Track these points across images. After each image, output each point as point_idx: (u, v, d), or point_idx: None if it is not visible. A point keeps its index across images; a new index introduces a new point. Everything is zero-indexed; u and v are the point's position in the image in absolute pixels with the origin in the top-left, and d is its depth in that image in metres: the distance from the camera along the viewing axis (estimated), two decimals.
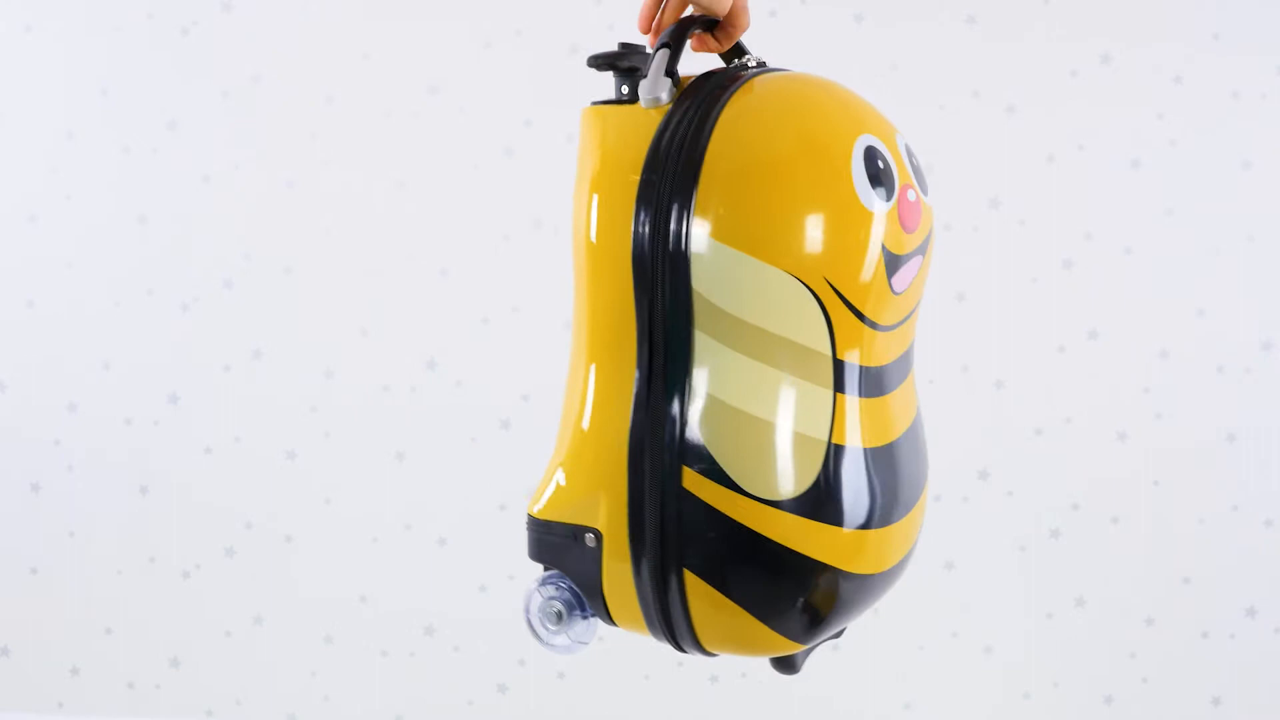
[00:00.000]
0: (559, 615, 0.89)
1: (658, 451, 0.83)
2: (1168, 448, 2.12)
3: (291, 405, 2.19)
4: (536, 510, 0.89)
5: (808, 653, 0.90)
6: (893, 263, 0.85)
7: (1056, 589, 2.15)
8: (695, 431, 0.83)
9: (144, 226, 2.19)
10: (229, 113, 2.16)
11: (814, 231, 0.82)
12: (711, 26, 0.91)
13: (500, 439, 2.17)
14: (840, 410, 0.84)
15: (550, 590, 0.89)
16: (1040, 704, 2.17)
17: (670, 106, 0.85)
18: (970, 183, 2.08)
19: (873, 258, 0.84)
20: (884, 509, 0.86)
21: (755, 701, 2.19)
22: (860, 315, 0.84)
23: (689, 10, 0.90)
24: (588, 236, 0.85)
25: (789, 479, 0.83)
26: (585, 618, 0.89)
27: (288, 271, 2.17)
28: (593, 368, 0.86)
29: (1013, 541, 2.15)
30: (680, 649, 0.88)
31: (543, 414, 2.12)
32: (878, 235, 0.84)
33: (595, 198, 0.85)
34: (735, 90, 0.85)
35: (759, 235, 0.82)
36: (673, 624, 0.85)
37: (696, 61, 0.95)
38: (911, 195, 0.86)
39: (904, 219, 0.85)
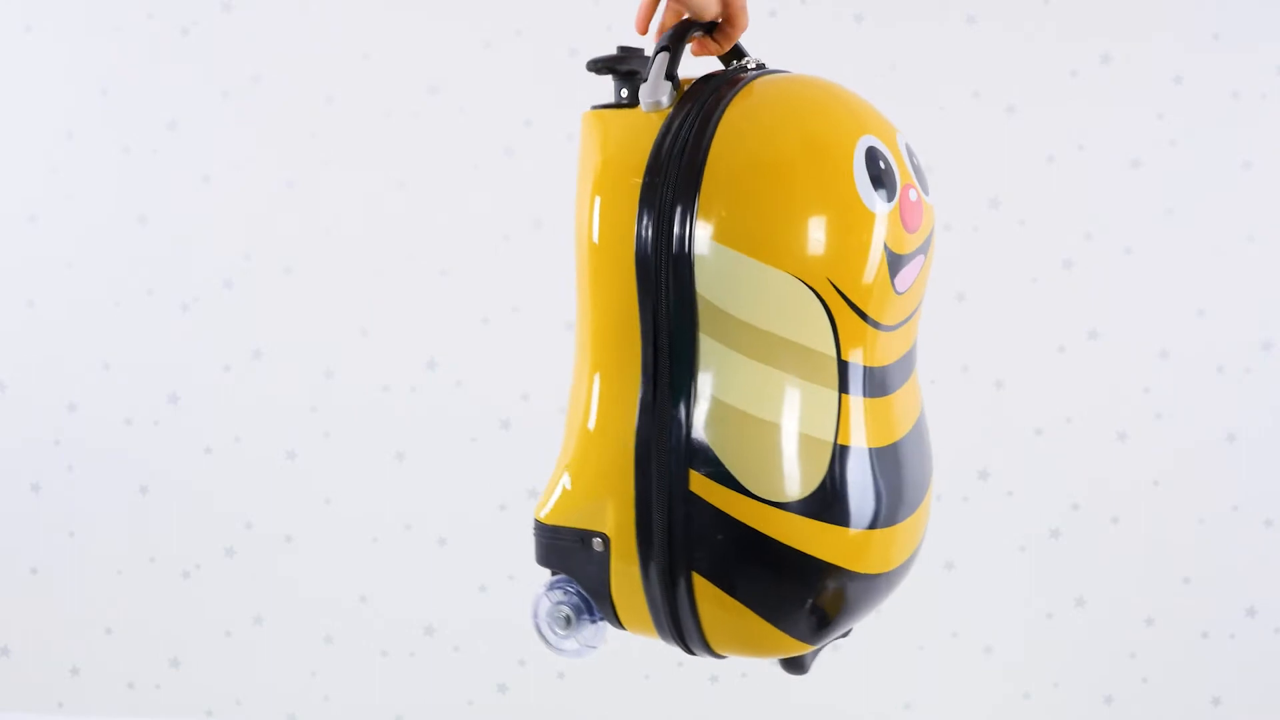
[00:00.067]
0: (567, 620, 0.88)
1: (664, 455, 0.83)
2: (1168, 448, 2.12)
3: (291, 405, 2.19)
4: (543, 515, 0.89)
5: (816, 653, 0.90)
6: (895, 263, 0.85)
7: (1056, 589, 2.15)
8: (701, 435, 0.83)
9: (144, 226, 2.19)
10: (229, 113, 2.16)
11: (817, 233, 0.82)
12: (710, 29, 0.91)
13: (500, 439, 2.17)
14: (845, 411, 0.84)
15: (558, 595, 0.89)
16: (1040, 704, 2.17)
17: (671, 110, 0.85)
18: (970, 183, 2.08)
19: (875, 258, 0.84)
20: (889, 509, 0.87)
21: (755, 701, 2.19)
22: (863, 316, 0.84)
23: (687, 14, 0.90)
24: (590, 238, 0.85)
25: (795, 481, 0.83)
26: (594, 622, 0.89)
27: (288, 271, 2.17)
28: (598, 372, 0.87)
29: (1013, 541, 2.15)
30: (690, 652, 0.88)
31: (543, 414, 2.14)
32: (880, 236, 0.84)
33: (598, 200, 0.85)
34: (736, 93, 0.85)
35: (762, 238, 0.82)
36: (682, 627, 0.85)
37: (695, 64, 0.95)
38: (913, 195, 0.86)
39: (906, 219, 0.85)
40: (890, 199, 0.84)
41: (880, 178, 0.84)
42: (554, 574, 0.90)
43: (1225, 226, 2.08)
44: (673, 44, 0.87)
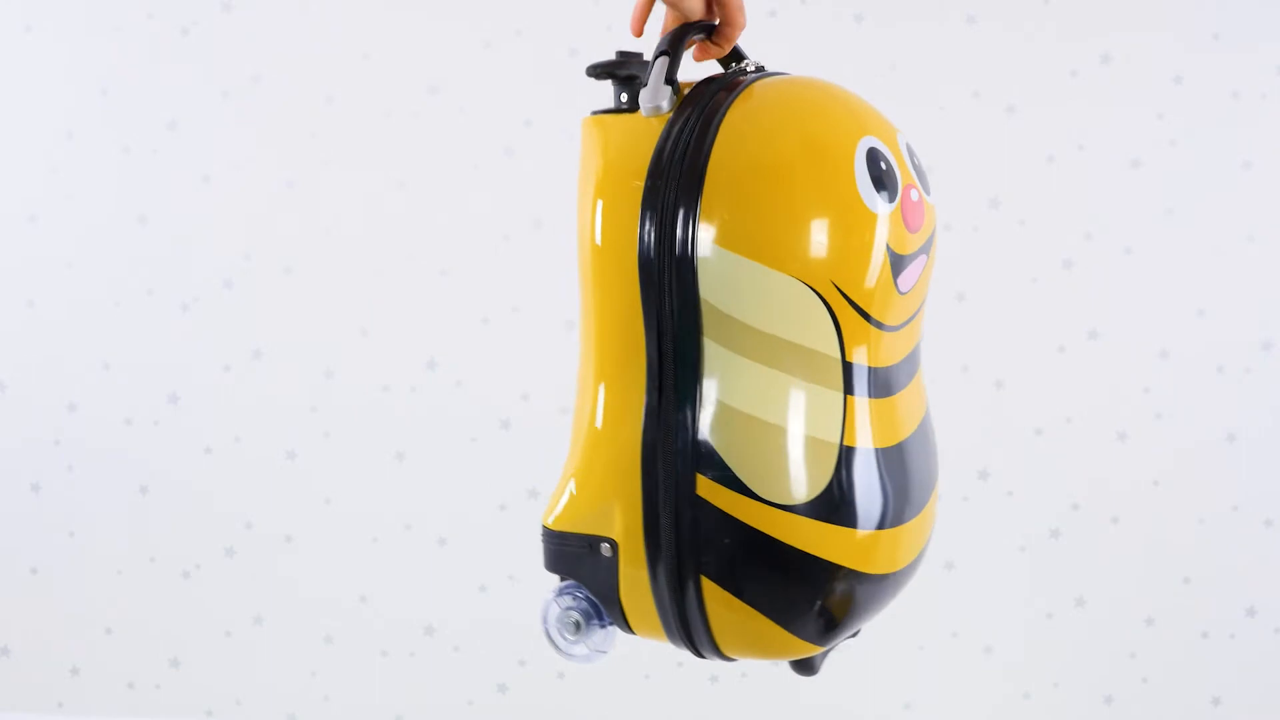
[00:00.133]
0: (577, 625, 0.89)
1: (670, 460, 0.83)
2: (1168, 448, 2.12)
3: (291, 405, 2.19)
4: (551, 521, 0.89)
5: (826, 654, 0.90)
6: (898, 263, 0.85)
7: (1056, 589, 2.15)
8: (707, 439, 0.83)
9: (144, 226, 2.19)
10: (229, 113, 2.16)
11: (819, 236, 0.82)
12: (709, 31, 0.91)
13: (500, 439, 2.17)
14: (851, 412, 0.84)
15: (567, 600, 0.89)
16: (1040, 704, 2.17)
17: (671, 114, 0.85)
18: (970, 183, 2.08)
19: (878, 259, 0.84)
20: (896, 509, 0.87)
21: (755, 701, 2.19)
22: (867, 317, 0.84)
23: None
24: (593, 240, 0.85)
25: (802, 483, 0.83)
26: (603, 627, 0.89)
27: (288, 271, 2.17)
28: (602, 378, 0.87)
29: (1013, 541, 2.15)
30: (699, 655, 0.88)
31: (543, 414, 2.14)
32: (882, 237, 0.84)
33: (600, 203, 0.85)
34: (736, 96, 0.85)
35: (765, 241, 0.82)
36: (691, 630, 0.86)
37: (696, 68, 0.95)
38: (914, 195, 0.86)
39: (907, 219, 0.85)
40: (892, 199, 0.84)
41: (881, 178, 0.84)
42: (563, 579, 0.90)
43: (1225, 226, 2.08)
44: (672, 48, 0.87)
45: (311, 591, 2.22)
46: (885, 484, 0.86)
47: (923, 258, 0.88)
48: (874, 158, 0.84)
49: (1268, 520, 2.12)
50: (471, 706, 2.23)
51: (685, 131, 0.83)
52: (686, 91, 0.86)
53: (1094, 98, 2.08)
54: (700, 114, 0.84)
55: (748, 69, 0.91)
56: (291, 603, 2.23)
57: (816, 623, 0.85)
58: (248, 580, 2.23)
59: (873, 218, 0.83)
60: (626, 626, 0.88)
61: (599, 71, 0.88)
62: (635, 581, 0.86)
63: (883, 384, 0.86)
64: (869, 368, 0.85)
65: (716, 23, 0.91)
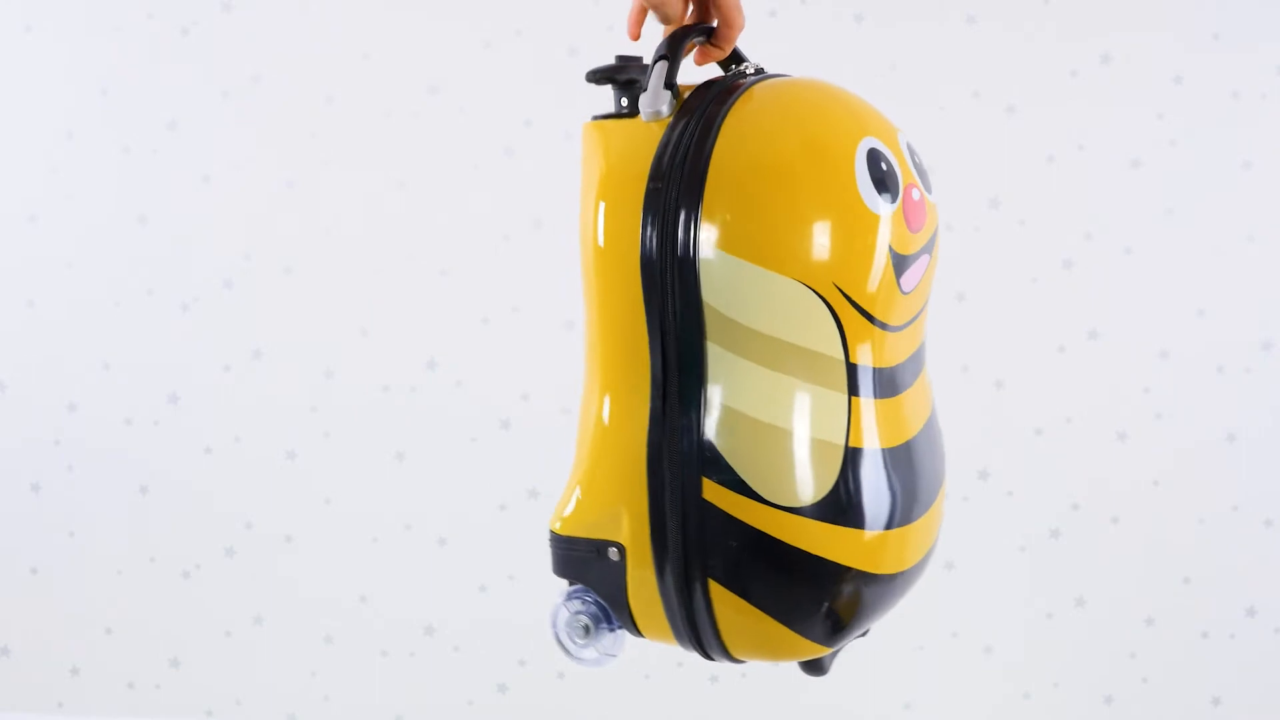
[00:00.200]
0: (586, 629, 0.89)
1: (676, 464, 0.83)
2: (1168, 448, 2.12)
3: (291, 405, 2.19)
4: (558, 527, 0.89)
5: (835, 654, 0.90)
6: (900, 263, 0.85)
7: (1056, 589, 2.15)
8: (712, 442, 0.83)
9: (144, 226, 2.19)
10: (229, 113, 2.16)
11: (821, 238, 0.82)
12: (708, 34, 0.91)
13: (500, 439, 2.17)
14: (856, 413, 0.84)
15: (576, 605, 0.89)
16: (1040, 704, 2.17)
17: (671, 119, 0.85)
18: (970, 183, 2.08)
19: (880, 260, 0.84)
20: (905, 508, 0.87)
21: (755, 701, 2.19)
22: (870, 318, 0.84)
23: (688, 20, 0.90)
24: (595, 241, 0.85)
25: (808, 485, 0.83)
26: (613, 630, 0.89)
27: (288, 271, 2.17)
28: (606, 382, 0.87)
29: (1013, 541, 2.15)
30: (708, 657, 0.88)
31: (543, 414, 2.14)
32: (884, 238, 0.84)
33: (602, 205, 0.85)
34: (736, 99, 0.85)
35: (766, 244, 0.82)
36: (699, 633, 0.86)
37: (695, 69, 0.94)
38: (916, 194, 0.86)
39: (909, 219, 0.85)
40: (893, 200, 0.84)
41: (882, 180, 0.84)
42: (571, 584, 0.90)
43: (1225, 226, 2.08)
44: (670, 52, 0.87)
45: (311, 591, 2.22)
46: (893, 484, 0.86)
47: (925, 257, 0.88)
48: (875, 158, 0.84)
49: (1268, 520, 2.12)
50: (471, 706, 2.23)
51: (685, 135, 0.83)
52: (686, 95, 0.86)
53: (1094, 98, 2.08)
54: (700, 118, 0.84)
55: (747, 71, 0.91)
56: (291, 603, 2.23)
57: (824, 624, 0.85)
58: (248, 580, 2.23)
59: (874, 219, 0.83)
60: (635, 630, 0.89)
61: (598, 77, 0.88)
62: (643, 585, 0.86)
63: (888, 384, 0.86)
64: (873, 368, 0.85)
65: (715, 25, 0.91)
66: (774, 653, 0.87)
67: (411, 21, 2.14)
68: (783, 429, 0.83)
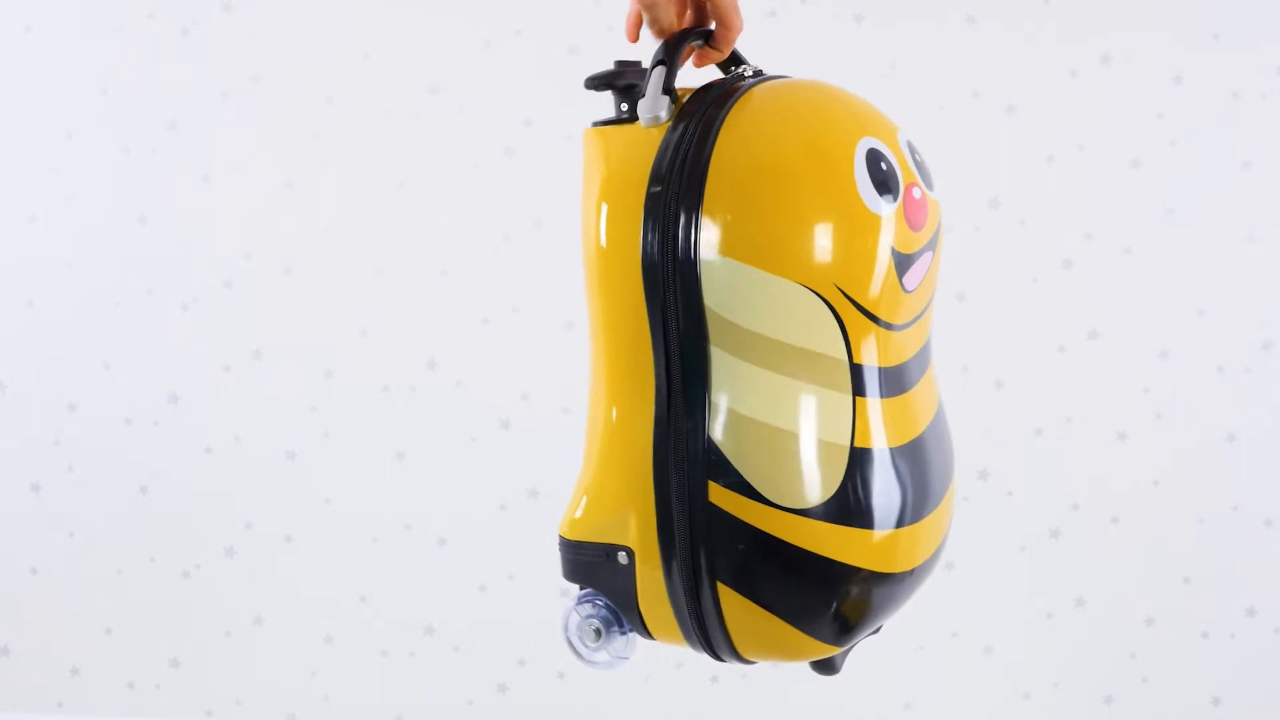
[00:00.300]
0: (597, 633, 0.89)
1: (682, 468, 0.83)
2: (1168, 448, 2.12)
3: (291, 405, 2.19)
4: (567, 531, 0.89)
5: (847, 652, 0.90)
6: (903, 262, 0.85)
7: (1056, 589, 2.15)
8: (717, 445, 0.83)
9: (144, 226, 2.19)
10: (229, 113, 2.16)
11: (822, 240, 0.82)
12: (706, 37, 0.91)
13: (500, 439, 2.17)
14: (861, 414, 0.84)
15: (587, 609, 0.89)
16: (1040, 704, 2.17)
17: (670, 123, 0.85)
18: (970, 183, 2.08)
19: (883, 261, 0.84)
20: (915, 505, 0.87)
21: (755, 702, 2.19)
22: (874, 318, 0.84)
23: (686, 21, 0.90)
24: (598, 243, 0.85)
25: (814, 487, 0.83)
26: (624, 633, 0.89)
27: (288, 271, 2.17)
28: (612, 387, 0.87)
29: (1013, 541, 2.15)
30: (718, 659, 0.88)
31: (543, 414, 2.14)
32: (886, 238, 0.84)
33: (603, 211, 0.85)
34: (735, 102, 0.85)
35: (767, 248, 0.82)
36: (709, 635, 0.86)
37: (695, 72, 0.94)
38: (916, 193, 0.86)
39: (910, 218, 0.85)
40: (894, 199, 0.84)
41: (883, 180, 0.84)
42: (582, 588, 0.90)
43: (1225, 226, 2.08)
44: (668, 57, 0.87)
45: (311, 591, 2.22)
46: (903, 482, 0.86)
47: (928, 254, 0.88)
48: (874, 158, 0.84)
49: (1268, 520, 2.12)
50: (471, 706, 2.23)
51: (684, 140, 0.83)
52: (685, 100, 0.86)
53: (1094, 98, 2.08)
54: (699, 122, 0.84)
55: (745, 74, 0.91)
56: (291, 603, 2.23)
57: (834, 624, 0.85)
58: (248, 580, 2.23)
59: (875, 219, 0.83)
60: (646, 633, 0.89)
61: (597, 83, 0.88)
62: (653, 588, 0.86)
63: (895, 382, 0.86)
64: (879, 368, 0.85)
65: (713, 27, 0.91)
66: (784, 653, 0.87)
67: (411, 21, 2.14)
68: (787, 431, 0.83)
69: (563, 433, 1.98)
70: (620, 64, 0.88)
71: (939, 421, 0.92)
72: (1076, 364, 2.11)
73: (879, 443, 0.85)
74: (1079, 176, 2.09)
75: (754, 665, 0.91)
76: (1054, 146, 2.09)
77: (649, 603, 0.87)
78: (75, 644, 2.27)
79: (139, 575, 2.24)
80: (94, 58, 2.17)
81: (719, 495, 0.83)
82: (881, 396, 0.85)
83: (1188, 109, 2.07)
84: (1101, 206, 2.10)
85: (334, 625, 2.23)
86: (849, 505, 0.83)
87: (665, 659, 2.14)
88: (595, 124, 0.89)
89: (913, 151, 0.89)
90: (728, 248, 0.82)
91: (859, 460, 0.84)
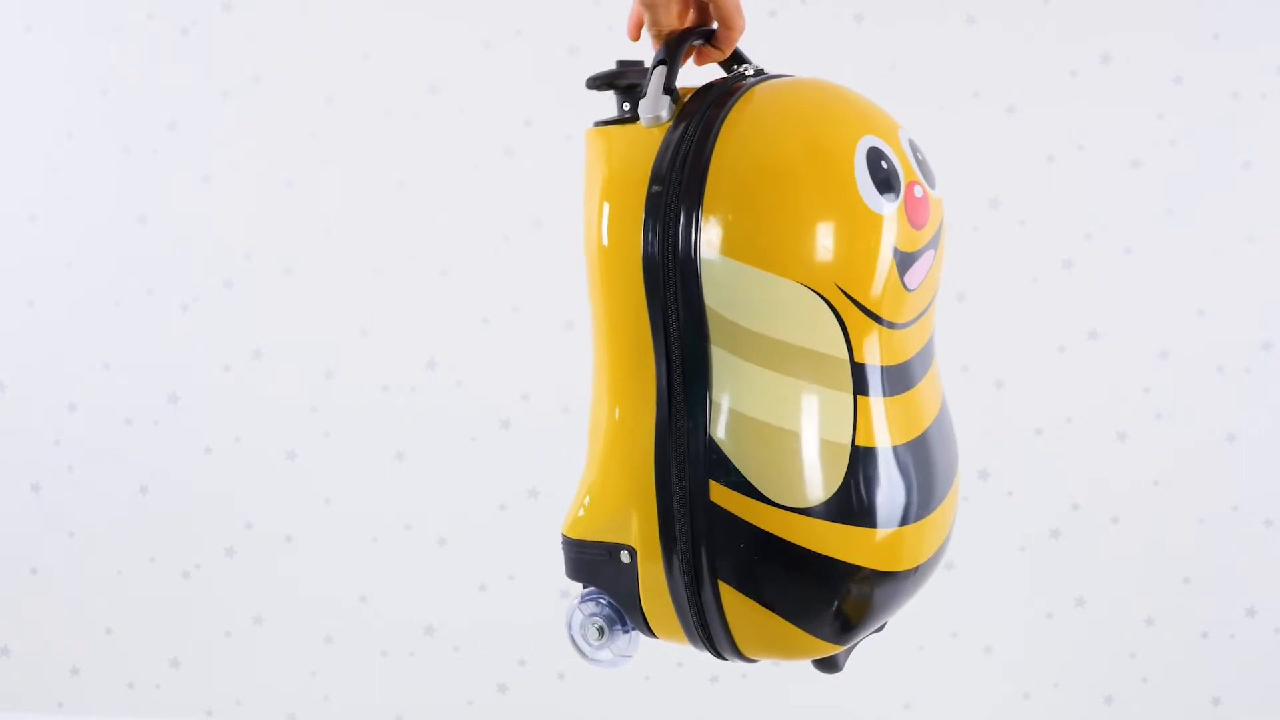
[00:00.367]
0: (601, 631, 0.89)
1: (683, 467, 0.83)
2: (1168, 448, 2.12)
3: (291, 405, 2.19)
4: (569, 531, 0.90)
5: (849, 650, 0.90)
6: (904, 261, 0.85)
7: (1056, 589, 2.15)
8: (719, 445, 0.83)
9: (144, 226, 2.19)
10: (229, 113, 2.16)
11: (822, 240, 0.82)
12: (708, 36, 0.91)
13: (500, 439, 2.17)
14: (863, 413, 0.84)
15: (590, 607, 0.89)
16: (1040, 704, 2.17)
17: (671, 123, 0.85)
18: (970, 183, 2.08)
19: (884, 260, 0.84)
20: (921, 502, 0.87)
21: (755, 702, 2.19)
22: (875, 317, 0.84)
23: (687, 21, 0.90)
24: (600, 242, 0.85)
25: (816, 486, 0.83)
26: (626, 632, 0.90)
27: (288, 271, 2.17)
28: (614, 387, 0.87)
29: (1013, 541, 2.15)
30: (721, 657, 0.88)
31: (543, 414, 2.14)
32: (888, 237, 0.83)
33: (605, 211, 0.85)
34: (735, 102, 0.85)
35: (767, 248, 0.82)
36: (711, 634, 0.86)
37: (698, 71, 0.94)
38: (918, 191, 0.86)
39: (912, 216, 0.85)
40: (895, 198, 0.84)
41: (883, 179, 0.84)
42: (585, 587, 0.90)
43: (1225, 226, 2.08)
44: (669, 56, 0.87)
45: (311, 591, 2.22)
46: (908, 479, 0.86)
47: (930, 253, 0.88)
48: (875, 157, 0.84)
49: (1268, 520, 2.12)
50: (471, 706, 2.23)
51: (685, 139, 0.83)
52: (686, 99, 0.86)
53: (1094, 98, 2.08)
54: (699, 121, 0.84)
55: (746, 73, 0.91)
56: (291, 603, 2.23)
57: (835, 623, 0.85)
58: (248, 580, 2.23)
59: (876, 219, 0.83)
60: (649, 631, 0.89)
61: (599, 83, 0.88)
62: (655, 587, 0.86)
63: (897, 380, 0.86)
64: (881, 367, 0.85)
65: (714, 27, 0.91)
66: (786, 652, 0.87)
67: (411, 21, 2.14)
68: (788, 431, 0.83)
69: (563, 433, 1.98)
70: (622, 64, 0.88)
71: (943, 418, 0.92)
72: (1076, 364, 2.11)
73: (882, 441, 0.85)
74: (1079, 176, 2.09)
75: (755, 664, 0.91)
76: (1054, 146, 2.09)
77: (651, 601, 0.87)
78: (75, 644, 2.27)
79: (139, 575, 2.24)
80: (94, 58, 2.17)
81: (720, 494, 0.83)
82: (884, 395, 0.85)
83: (1188, 109, 2.07)
84: (1101, 206, 2.10)
85: (334, 625, 2.23)
86: (851, 504, 0.83)
87: (665, 658, 2.14)
88: (597, 124, 0.89)
89: (914, 149, 0.89)
90: (728, 247, 0.82)
91: (861, 459, 0.84)
